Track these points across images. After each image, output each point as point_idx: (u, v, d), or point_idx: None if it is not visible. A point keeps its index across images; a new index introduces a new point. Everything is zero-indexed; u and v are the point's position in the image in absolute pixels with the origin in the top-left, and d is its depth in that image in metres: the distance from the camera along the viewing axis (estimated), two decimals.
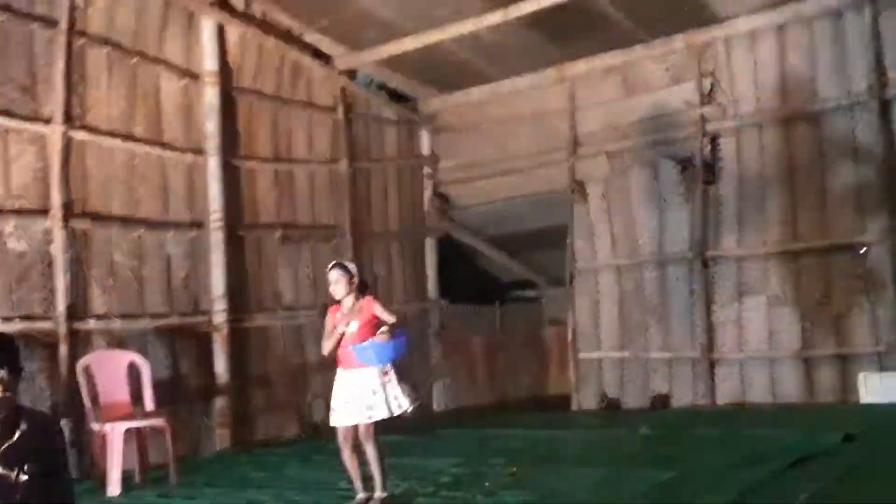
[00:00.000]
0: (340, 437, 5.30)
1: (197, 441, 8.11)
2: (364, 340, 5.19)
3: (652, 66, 10.00)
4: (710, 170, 9.54)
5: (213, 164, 8.51)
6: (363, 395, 5.18)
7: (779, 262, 9.11)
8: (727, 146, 9.51)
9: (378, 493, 5.26)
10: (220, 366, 8.34)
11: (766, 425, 7.47)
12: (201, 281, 8.38)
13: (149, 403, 6.87)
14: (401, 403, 5.25)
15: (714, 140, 9.57)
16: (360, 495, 5.32)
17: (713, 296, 9.40)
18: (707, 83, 9.65)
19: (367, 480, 5.32)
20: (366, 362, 5.14)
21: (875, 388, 8.31)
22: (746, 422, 7.90)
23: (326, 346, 5.34)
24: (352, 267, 5.42)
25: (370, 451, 5.23)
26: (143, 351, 7.41)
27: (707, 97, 9.63)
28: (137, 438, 6.70)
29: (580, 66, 10.29)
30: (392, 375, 5.27)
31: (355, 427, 5.24)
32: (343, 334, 5.27)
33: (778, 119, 9.22)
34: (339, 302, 5.34)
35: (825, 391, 8.77)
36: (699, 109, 9.61)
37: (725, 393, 9.27)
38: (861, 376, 8.44)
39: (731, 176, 9.45)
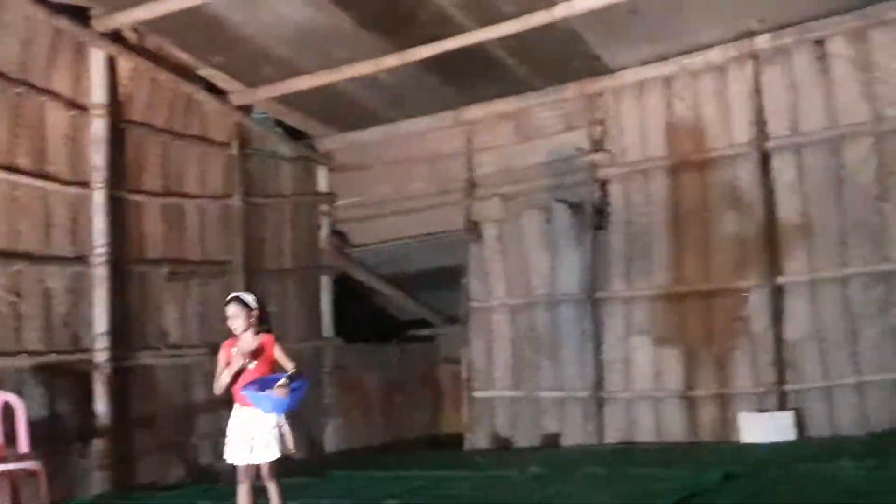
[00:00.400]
0: (241, 474, 5.13)
1: (74, 484, 7.75)
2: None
3: (545, 112, 10.25)
4: (601, 214, 9.81)
5: (98, 197, 8.26)
6: (264, 432, 5.06)
7: (664, 304, 9.40)
8: (616, 192, 9.80)
9: None
10: (101, 406, 8.03)
11: (651, 464, 7.63)
12: (83, 317, 8.09)
13: (23, 445, 6.53)
14: (290, 444, 5.14)
15: (604, 186, 9.86)
16: None
17: (602, 336, 9.62)
18: (597, 131, 9.95)
19: None
20: (262, 410, 5.02)
21: (754, 427, 8.62)
22: (633, 460, 8.06)
23: (219, 385, 5.14)
24: (250, 300, 5.22)
25: (273, 490, 5.12)
26: (18, 390, 7.06)
27: (597, 144, 9.93)
28: (10, 482, 6.38)
29: (476, 111, 10.48)
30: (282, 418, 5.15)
31: (256, 466, 5.10)
32: (242, 370, 5.11)
33: (664, 167, 9.56)
34: (235, 336, 5.18)
35: (708, 430, 9.04)
36: (590, 156, 9.89)
37: (614, 432, 9.46)
38: (741, 416, 8.75)
39: (620, 221, 9.73)
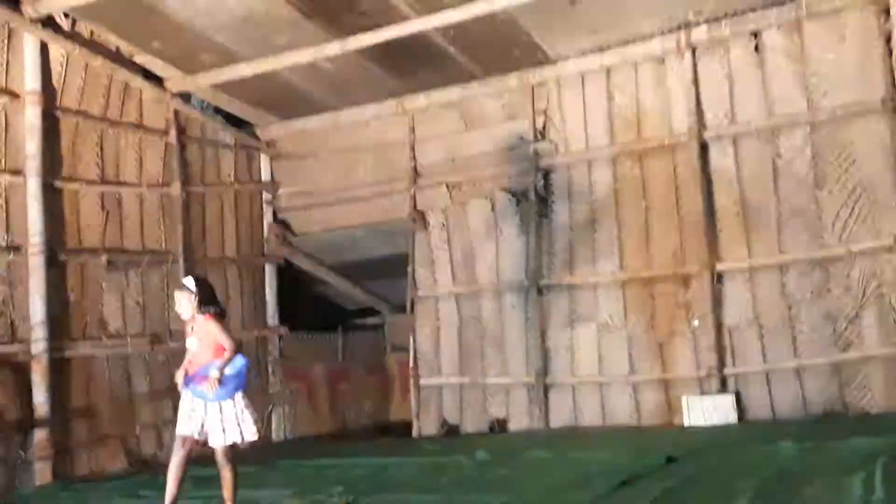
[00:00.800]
0: (178, 443, 5.18)
1: (13, 476, 7.60)
2: (206, 363, 5.12)
3: (488, 102, 10.30)
4: (544, 203, 9.88)
5: (32, 185, 8.10)
6: (214, 416, 5.10)
7: (607, 290, 9.51)
8: (559, 181, 9.88)
9: None
10: (40, 397, 7.88)
11: (595, 448, 7.73)
12: (18, 307, 7.92)
13: None
14: (245, 431, 5.18)
15: (547, 175, 9.92)
16: None
17: (547, 323, 9.71)
18: (540, 121, 10.01)
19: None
20: (203, 399, 5.03)
21: (697, 411, 8.79)
22: (577, 445, 8.15)
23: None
24: (191, 283, 5.30)
25: (226, 474, 5.21)
26: None
27: (540, 134, 9.99)
28: None
29: (420, 100, 10.46)
30: (237, 403, 5.18)
31: (192, 440, 5.16)
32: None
33: (606, 157, 9.66)
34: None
35: (651, 414, 9.19)
36: (533, 145, 9.95)
37: (559, 417, 9.56)
38: (684, 400, 8.91)
39: (563, 209, 9.82)
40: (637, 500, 5.33)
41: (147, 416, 9.11)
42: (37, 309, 7.99)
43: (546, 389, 9.64)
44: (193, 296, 5.22)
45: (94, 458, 8.51)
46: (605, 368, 9.44)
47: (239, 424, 5.16)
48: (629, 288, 9.43)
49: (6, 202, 7.95)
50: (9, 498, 7.15)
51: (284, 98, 10.50)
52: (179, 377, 5.23)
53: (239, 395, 5.20)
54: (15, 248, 7.94)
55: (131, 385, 8.97)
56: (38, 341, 7.95)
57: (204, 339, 5.22)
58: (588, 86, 9.75)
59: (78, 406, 8.42)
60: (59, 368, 8.15)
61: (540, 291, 9.74)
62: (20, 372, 7.85)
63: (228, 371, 5.12)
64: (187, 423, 5.17)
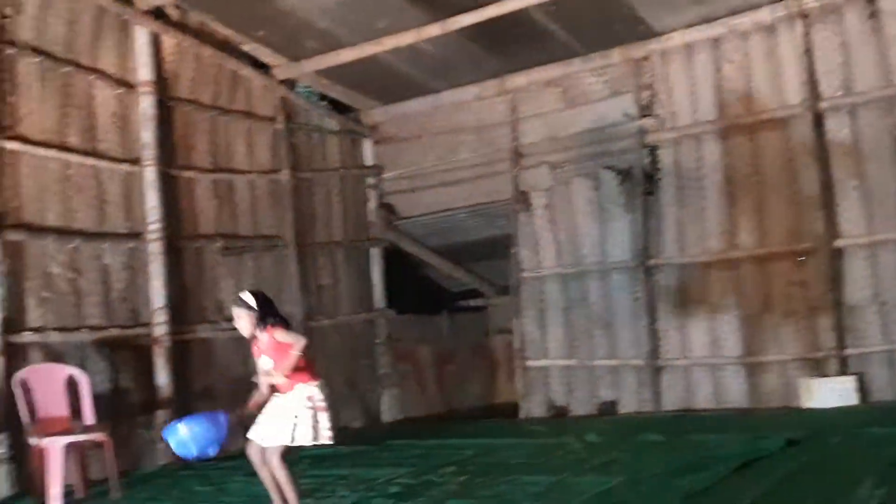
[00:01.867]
0: (251, 451, 5.11)
1: (139, 455, 7.91)
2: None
3: (591, 78, 10.12)
4: (650, 180, 9.68)
5: (149, 174, 8.34)
6: (273, 416, 5.00)
7: (719, 270, 9.27)
8: (666, 157, 9.66)
9: None
10: (162, 378, 8.16)
11: (710, 431, 7.56)
12: (140, 293, 8.21)
13: (88, 417, 6.71)
14: (317, 435, 4.98)
15: (653, 151, 9.71)
16: None
17: (657, 303, 9.52)
18: (645, 96, 9.79)
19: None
20: (183, 454, 4.97)
21: (816, 393, 8.50)
22: (691, 427, 7.98)
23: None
24: (249, 299, 5.12)
25: (278, 475, 5.00)
26: (81, 364, 7.23)
27: (645, 109, 9.78)
28: (77, 453, 6.53)
29: (521, 79, 10.37)
30: (304, 409, 4.98)
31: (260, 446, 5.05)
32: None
33: (715, 131, 9.39)
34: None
35: (768, 396, 8.94)
36: (638, 121, 9.75)
37: (671, 399, 9.39)
38: (802, 382, 8.63)
39: (670, 186, 9.60)
40: (757, 483, 5.19)
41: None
42: (157, 294, 8.26)
43: (657, 371, 9.48)
44: (252, 311, 5.08)
45: None
46: (718, 350, 9.22)
47: (297, 427, 4.94)
48: (742, 266, 9.16)
49: (126, 191, 8.22)
50: (134, 476, 7.43)
51: (386, 82, 10.57)
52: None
53: (314, 397, 5.02)
54: (135, 236, 8.22)
55: (248, 367, 9.17)
56: (160, 325, 8.22)
57: (272, 353, 5.05)
58: (695, 58, 9.49)
59: (197, 387, 8.68)
60: (179, 351, 8.42)
61: (648, 271, 9.56)
62: (143, 355, 8.14)
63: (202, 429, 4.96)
64: (254, 429, 5.07)
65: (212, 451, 4.95)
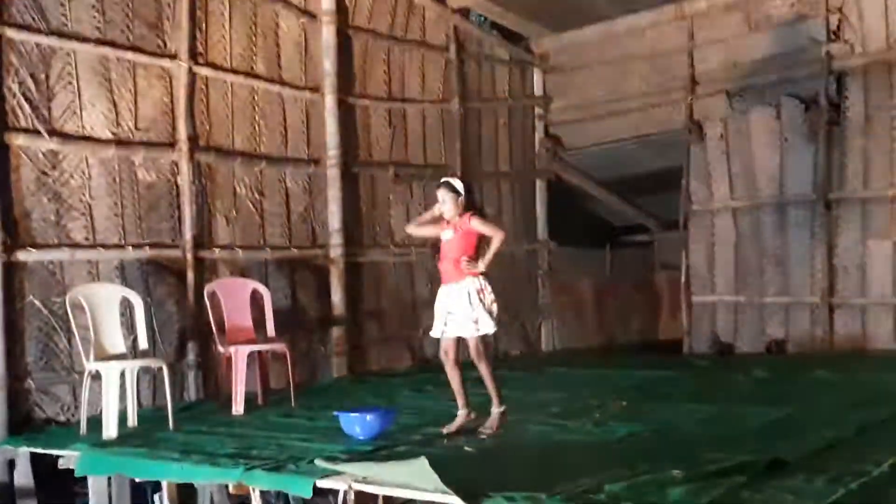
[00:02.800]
0: (442, 350, 5.40)
1: (314, 368, 8.40)
2: (460, 255, 5.26)
3: (776, 1, 9.60)
4: (836, 109, 9.16)
5: (329, 102, 8.65)
6: (462, 308, 5.24)
7: None
8: (854, 86, 9.09)
9: (495, 409, 5.36)
10: (337, 297, 8.58)
11: (886, 370, 7.24)
12: (318, 216, 8.60)
13: (270, 330, 7.14)
14: (482, 325, 5.27)
15: (840, 78, 9.16)
16: (461, 411, 5.42)
17: (836, 239, 9.10)
18: (834, 19, 9.22)
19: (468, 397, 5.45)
20: (348, 432, 5.29)
21: None
22: (867, 367, 7.68)
23: (411, 226, 5.75)
24: (459, 185, 5.37)
25: (482, 368, 5.30)
26: (263, 281, 7.69)
27: (834, 34, 9.21)
28: (259, 363, 6.99)
29: (700, 3, 9.97)
30: (486, 295, 5.29)
31: (457, 340, 5.32)
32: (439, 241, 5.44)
33: None
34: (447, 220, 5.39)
35: None
36: (825, 47, 9.19)
37: (846, 339, 9.01)
38: None
39: (857, 116, 9.05)
40: None
41: (428, 319, 9.39)
42: (334, 217, 8.64)
43: (832, 310, 9.10)
44: (459, 195, 5.31)
45: (383, 355, 9.18)
46: None
47: (480, 318, 5.23)
48: None
49: (307, 118, 8.58)
50: (311, 387, 7.89)
51: (559, 8, 10.42)
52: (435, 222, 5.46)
53: (482, 290, 5.28)
54: (315, 161, 8.59)
55: (415, 290, 9.53)
56: (335, 247, 8.61)
57: (462, 234, 5.29)
58: None
59: (369, 308, 9.08)
60: (352, 272, 8.81)
61: (828, 205, 9.12)
62: (320, 274, 8.57)
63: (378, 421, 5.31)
64: (440, 327, 5.36)
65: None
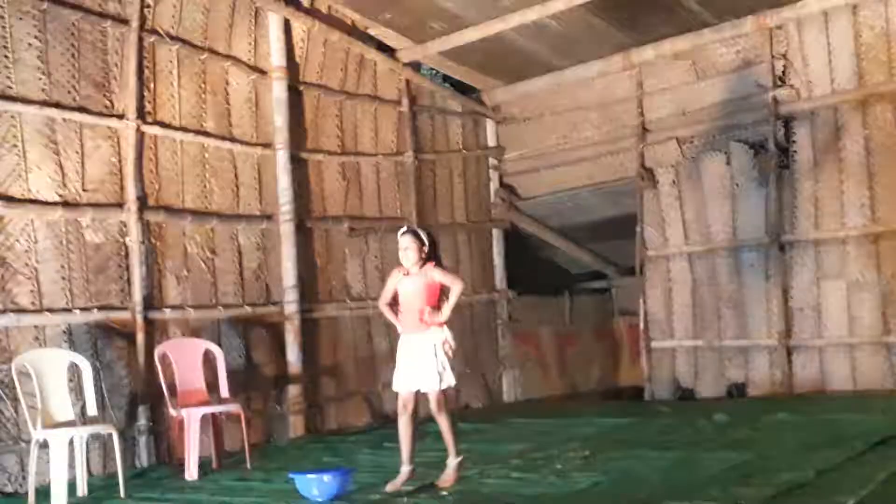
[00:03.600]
0: (401, 403, 5.33)
1: (271, 429, 8.23)
2: (423, 305, 5.24)
3: (722, 49, 9.79)
4: (785, 153, 9.32)
5: (281, 157, 8.60)
6: (427, 360, 5.20)
7: (857, 245, 8.85)
8: (801, 129, 9.27)
9: (451, 460, 5.32)
10: (292, 355, 8.44)
11: (845, 411, 7.26)
12: (272, 272, 8.50)
13: (224, 391, 6.98)
14: (446, 378, 5.25)
15: (788, 123, 9.34)
16: (405, 468, 5.34)
17: (790, 281, 9.18)
18: (779, 65, 9.42)
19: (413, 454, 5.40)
20: (304, 494, 5.19)
21: None
22: (826, 408, 7.69)
23: (380, 300, 5.55)
24: (423, 234, 5.39)
25: (442, 421, 5.27)
26: (216, 340, 7.55)
27: (780, 80, 9.41)
28: (213, 425, 6.83)
29: (647, 52, 10.12)
30: (448, 347, 5.27)
31: (416, 393, 5.28)
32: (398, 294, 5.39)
33: (854, 100, 8.94)
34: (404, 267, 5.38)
35: None
36: (771, 92, 9.38)
37: (804, 381, 9.05)
38: None
39: (806, 159, 9.21)
40: (894, 460, 4.95)
41: (387, 374, 9.39)
42: (288, 273, 8.53)
43: (789, 352, 9.14)
44: (423, 246, 5.30)
45: (341, 412, 9.03)
46: (855, 329, 8.81)
47: (444, 371, 5.21)
48: (883, 241, 8.71)
49: (259, 174, 8.52)
50: (267, 448, 7.71)
51: (509, 61, 10.55)
52: (390, 315, 5.43)
53: (446, 342, 5.25)
54: (267, 217, 8.51)
55: (373, 344, 9.43)
56: (290, 303, 8.49)
57: (422, 286, 5.26)
58: (832, 24, 9.03)
59: (326, 364, 8.95)
60: (308, 328, 8.69)
61: (782, 248, 9.22)
62: (275, 331, 8.44)
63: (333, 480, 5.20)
64: (403, 381, 5.31)
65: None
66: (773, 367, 9.23)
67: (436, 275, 5.28)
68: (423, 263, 5.31)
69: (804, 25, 9.21)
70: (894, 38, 8.75)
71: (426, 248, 5.31)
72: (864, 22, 8.90)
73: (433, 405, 5.26)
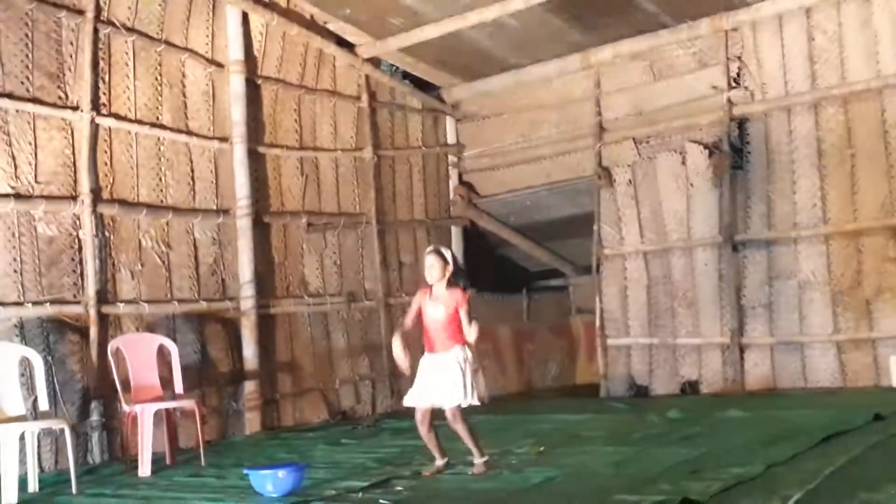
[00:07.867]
0: (418, 417, 5.51)
1: (226, 425, 8.17)
2: (445, 332, 5.36)
3: (678, 51, 9.92)
4: (739, 154, 9.47)
5: (239, 151, 8.54)
6: (447, 377, 5.34)
7: (809, 245, 9.03)
8: (755, 130, 9.43)
9: (477, 460, 5.49)
10: (249, 351, 8.38)
11: (795, 407, 7.41)
12: (228, 267, 8.43)
13: (178, 386, 6.90)
14: (471, 396, 5.40)
15: (742, 124, 9.49)
16: (439, 462, 5.59)
17: (743, 280, 9.33)
18: (734, 67, 9.57)
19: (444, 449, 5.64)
20: (258, 490, 5.19)
21: None
22: (777, 404, 7.83)
23: (403, 323, 5.62)
24: (447, 254, 5.54)
25: (460, 431, 5.45)
26: (171, 335, 7.47)
27: (734, 81, 9.55)
28: (167, 421, 6.75)
29: (605, 52, 10.22)
30: (470, 365, 5.42)
31: (430, 408, 5.44)
32: (421, 313, 5.48)
33: (806, 102, 9.11)
34: (431, 285, 5.48)
35: (857, 376, 8.70)
36: (726, 94, 9.52)
37: (756, 378, 9.21)
38: (893, 359, 8.36)
39: (759, 160, 9.38)
40: (842, 454, 5.08)
41: (345, 371, 9.53)
42: (245, 268, 8.47)
43: (742, 350, 9.29)
44: (447, 265, 5.43)
45: (297, 409, 8.98)
46: (806, 328, 9.00)
47: (466, 387, 5.36)
48: (833, 241, 8.90)
49: (216, 168, 8.44)
50: (222, 444, 7.65)
51: (468, 59, 10.57)
52: (398, 347, 5.38)
53: (469, 359, 5.38)
54: (224, 212, 8.43)
55: (330, 341, 9.40)
56: (247, 298, 8.43)
57: (446, 313, 5.38)
58: (786, 28, 9.20)
59: (282, 360, 8.90)
60: (265, 324, 8.63)
61: (735, 247, 9.37)
62: (231, 327, 8.37)
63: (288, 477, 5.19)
64: (420, 396, 5.44)
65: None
66: (725, 365, 9.38)
67: (462, 311, 5.38)
68: (449, 284, 5.43)
69: (759, 28, 9.37)
70: (846, 42, 8.93)
71: (450, 267, 5.44)
72: (817, 25, 9.08)
73: (448, 416, 5.44)
